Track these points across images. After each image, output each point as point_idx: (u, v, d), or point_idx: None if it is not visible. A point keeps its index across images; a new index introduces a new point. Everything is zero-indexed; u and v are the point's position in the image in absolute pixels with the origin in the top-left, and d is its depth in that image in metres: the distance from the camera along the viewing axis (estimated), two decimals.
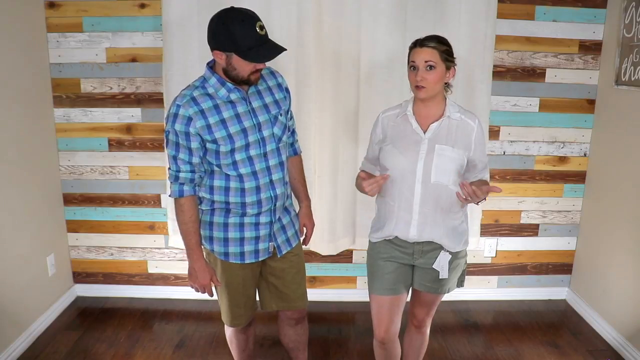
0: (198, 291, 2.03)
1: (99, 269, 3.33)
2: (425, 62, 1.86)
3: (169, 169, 1.93)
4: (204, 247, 2.04)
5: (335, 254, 3.17)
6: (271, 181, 1.97)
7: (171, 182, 1.93)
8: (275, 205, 2.01)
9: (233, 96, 1.89)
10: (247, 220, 1.99)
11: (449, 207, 1.97)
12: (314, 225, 2.30)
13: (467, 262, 2.20)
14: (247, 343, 2.32)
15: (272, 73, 2.05)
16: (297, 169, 2.22)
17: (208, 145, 1.88)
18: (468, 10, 2.82)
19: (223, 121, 1.86)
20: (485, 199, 1.87)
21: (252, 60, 1.79)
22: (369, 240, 2.15)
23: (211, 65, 1.91)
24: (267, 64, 1.90)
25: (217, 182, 1.95)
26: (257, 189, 1.95)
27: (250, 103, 1.92)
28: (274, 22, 2.74)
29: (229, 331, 2.28)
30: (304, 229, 2.27)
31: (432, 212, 1.96)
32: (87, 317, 3.11)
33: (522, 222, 3.28)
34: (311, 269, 3.22)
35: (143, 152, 3.12)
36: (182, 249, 3.17)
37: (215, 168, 1.93)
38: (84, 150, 3.13)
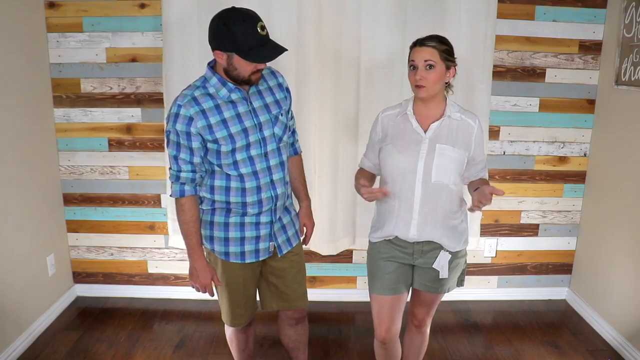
0: (199, 291, 2.03)
1: (99, 269, 3.33)
2: (425, 61, 1.86)
3: (170, 168, 1.93)
4: (204, 247, 2.04)
5: (335, 254, 3.17)
6: (272, 181, 1.98)
7: (172, 182, 1.93)
8: (275, 205, 2.01)
9: (234, 96, 1.89)
10: (247, 219, 1.99)
11: (449, 206, 1.97)
12: (314, 225, 2.31)
13: (467, 262, 2.20)
14: (247, 343, 2.32)
15: (273, 73, 2.05)
16: (297, 168, 2.22)
17: (209, 145, 1.88)
18: (468, 10, 2.82)
19: (224, 121, 1.86)
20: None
21: (253, 60, 1.79)
22: (369, 241, 2.15)
23: (212, 65, 1.91)
24: (268, 63, 1.90)
25: (218, 182, 1.95)
26: (258, 188, 1.95)
27: (251, 103, 1.93)
28: (274, 22, 2.74)
29: (229, 331, 2.28)
30: (304, 228, 2.27)
31: (433, 211, 1.96)
32: (87, 317, 3.11)
33: (522, 222, 3.28)
34: (311, 269, 3.22)
35: (143, 152, 3.12)
36: (182, 249, 3.18)
37: (216, 168, 1.93)
38: (84, 150, 3.13)
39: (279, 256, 2.09)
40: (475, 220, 3.10)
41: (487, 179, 2.06)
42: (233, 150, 1.88)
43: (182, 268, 3.28)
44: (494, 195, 1.85)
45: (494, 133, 3.11)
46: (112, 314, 3.15)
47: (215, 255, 2.04)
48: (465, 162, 1.96)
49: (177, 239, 3.09)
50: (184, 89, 1.91)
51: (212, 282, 2.03)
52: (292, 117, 2.16)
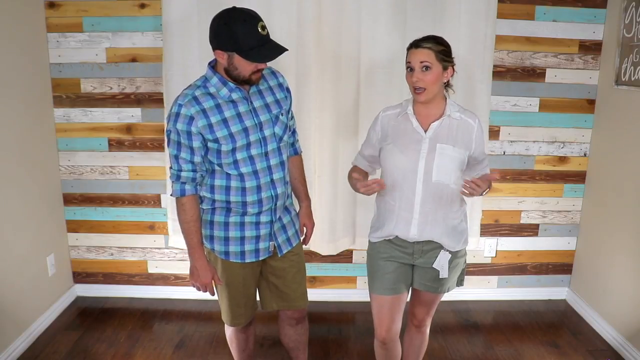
0: (199, 290, 2.03)
1: (99, 269, 3.33)
2: (421, 62, 1.86)
3: (171, 168, 1.94)
4: (204, 247, 2.04)
5: (335, 254, 3.17)
6: (272, 180, 1.98)
7: (173, 182, 1.94)
8: (275, 204, 2.02)
9: (234, 96, 1.89)
10: (247, 219, 1.99)
11: (449, 206, 1.98)
12: (314, 225, 2.31)
13: (467, 262, 2.20)
14: (247, 343, 2.32)
15: (273, 73, 2.06)
16: (297, 168, 2.23)
17: (209, 144, 1.88)
18: (468, 10, 2.82)
19: (224, 120, 1.87)
20: (488, 188, 1.90)
21: (253, 60, 1.79)
22: (369, 240, 2.15)
23: (213, 65, 1.91)
24: (268, 63, 1.90)
25: (218, 182, 1.95)
26: (258, 188, 1.95)
27: (251, 102, 1.93)
28: (274, 22, 2.74)
29: (229, 331, 2.28)
30: (304, 228, 2.27)
31: (433, 211, 1.96)
32: (87, 317, 3.11)
33: (522, 222, 3.28)
34: (311, 269, 3.22)
35: (143, 152, 3.12)
36: (182, 249, 3.18)
37: (217, 167, 1.93)
38: (84, 150, 3.13)
39: (279, 256, 2.09)
40: (475, 220, 3.10)
41: (489, 173, 2.06)
42: (233, 150, 1.89)
43: (182, 268, 3.28)
44: (491, 190, 1.85)
45: (494, 133, 3.11)
46: (112, 314, 3.15)
47: (215, 255, 2.04)
48: (465, 161, 1.96)
49: (177, 239, 3.09)
50: (185, 89, 1.91)
51: (213, 282, 2.03)
52: (292, 117, 2.16)
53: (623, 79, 2.79)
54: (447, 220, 1.99)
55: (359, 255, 3.26)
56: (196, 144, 1.87)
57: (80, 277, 3.34)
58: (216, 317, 2.97)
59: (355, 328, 3.04)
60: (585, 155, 3.18)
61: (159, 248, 3.28)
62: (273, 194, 1.99)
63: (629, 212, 2.77)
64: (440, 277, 2.03)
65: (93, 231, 3.25)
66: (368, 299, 2.16)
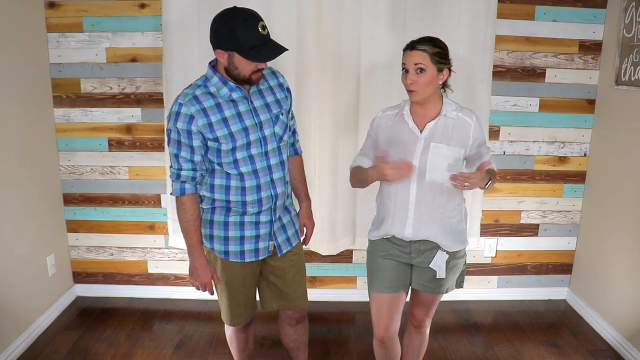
0: (199, 289, 2.03)
1: (99, 269, 3.33)
2: (415, 65, 1.87)
3: (171, 167, 1.94)
4: (204, 246, 2.04)
5: (335, 254, 3.17)
6: (272, 180, 1.98)
7: (173, 181, 1.94)
8: (275, 204, 2.02)
9: (235, 95, 1.89)
10: (247, 219, 1.99)
11: (445, 205, 1.98)
12: (314, 225, 2.31)
13: (468, 262, 2.20)
14: (247, 342, 2.32)
15: (274, 73, 2.06)
16: (297, 169, 2.23)
17: (209, 143, 1.88)
18: (468, 10, 2.82)
19: (225, 120, 1.87)
20: (491, 181, 1.90)
21: (253, 59, 1.80)
22: (369, 239, 2.15)
23: (213, 65, 1.92)
24: (268, 63, 1.90)
25: (218, 181, 1.95)
26: (258, 187, 1.95)
27: (251, 102, 1.93)
28: (274, 22, 2.74)
29: (229, 330, 2.28)
30: (304, 228, 2.27)
31: (428, 210, 1.96)
32: (87, 317, 3.11)
33: (522, 222, 3.28)
34: (311, 269, 3.22)
35: (143, 152, 3.12)
36: (182, 249, 3.18)
37: (216, 166, 1.93)
38: (84, 150, 3.13)
39: (279, 256, 2.09)
40: (475, 220, 3.10)
41: (495, 170, 2.05)
42: (233, 149, 1.89)
43: (182, 268, 3.28)
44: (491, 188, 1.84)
45: (494, 133, 3.11)
46: (112, 314, 3.15)
47: (215, 254, 2.04)
48: (461, 159, 1.96)
49: (177, 239, 3.09)
50: (185, 88, 1.92)
51: (212, 281, 2.03)
52: (292, 117, 2.16)
53: (623, 79, 2.79)
54: (444, 219, 1.99)
55: (359, 255, 3.26)
56: (196, 143, 1.87)
57: (80, 277, 3.34)
58: (216, 317, 2.97)
59: (355, 328, 3.04)
60: (585, 155, 3.18)
61: (159, 248, 3.28)
62: (273, 194, 1.99)
63: (629, 212, 2.77)
64: (437, 277, 2.03)
65: (93, 231, 3.25)
66: (368, 299, 2.16)
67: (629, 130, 2.78)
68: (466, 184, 1.83)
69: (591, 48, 3.02)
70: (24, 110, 2.80)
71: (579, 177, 3.22)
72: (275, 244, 2.07)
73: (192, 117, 1.84)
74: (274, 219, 2.04)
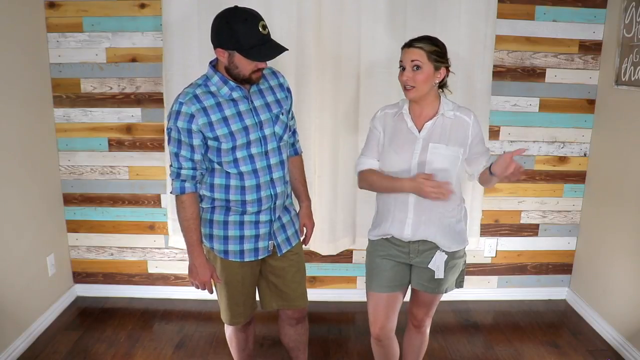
0: (198, 288, 2.03)
1: (99, 269, 3.33)
2: (412, 61, 1.88)
3: (171, 166, 1.94)
4: (203, 245, 2.04)
5: (335, 254, 3.17)
6: (271, 179, 1.98)
7: (172, 179, 1.94)
8: (275, 203, 2.02)
9: (235, 94, 1.90)
10: (247, 218, 1.99)
11: (445, 205, 1.98)
12: (314, 225, 2.31)
13: (468, 262, 2.20)
14: (247, 342, 2.32)
15: (274, 73, 2.06)
16: (297, 169, 2.23)
17: (209, 142, 1.89)
18: (468, 10, 2.82)
19: (225, 119, 1.87)
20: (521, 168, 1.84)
21: (254, 58, 1.80)
22: (368, 239, 2.15)
23: (214, 64, 1.92)
24: (268, 63, 1.90)
25: (218, 180, 1.95)
26: (258, 187, 1.95)
27: (252, 101, 1.93)
28: (274, 22, 2.74)
29: (228, 330, 2.28)
30: (304, 229, 2.27)
31: (427, 210, 1.96)
32: (87, 317, 3.11)
33: (522, 222, 3.28)
34: (311, 269, 3.22)
35: (143, 152, 3.12)
36: (182, 249, 3.18)
37: (216, 166, 1.94)
38: (84, 150, 3.13)
39: (279, 255, 2.09)
40: (475, 220, 3.10)
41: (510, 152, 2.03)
42: (233, 148, 1.89)
43: (182, 268, 3.28)
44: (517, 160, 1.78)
45: (494, 133, 3.11)
46: (112, 314, 3.15)
47: (215, 254, 2.04)
48: (459, 158, 1.96)
49: (177, 239, 3.09)
50: (186, 87, 1.92)
51: (212, 280, 2.03)
52: (292, 117, 2.17)
53: (623, 79, 2.79)
54: (443, 219, 1.99)
55: (359, 255, 3.26)
56: (196, 141, 1.87)
57: (80, 277, 3.34)
58: (216, 317, 2.97)
59: (355, 328, 3.04)
60: (585, 155, 3.18)
61: (159, 248, 3.28)
62: (272, 193, 1.99)
63: (629, 212, 2.77)
64: (435, 277, 2.03)
65: (93, 231, 3.25)
66: (366, 296, 2.16)
67: (629, 130, 2.78)
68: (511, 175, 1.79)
69: (591, 48, 3.02)
70: (24, 110, 2.80)
71: (579, 177, 3.22)
72: (275, 244, 2.07)
73: (192, 116, 1.84)
74: (273, 219, 2.04)
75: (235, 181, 1.94)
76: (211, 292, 2.06)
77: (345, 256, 3.27)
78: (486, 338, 2.95)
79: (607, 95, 2.97)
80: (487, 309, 3.27)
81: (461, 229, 2.07)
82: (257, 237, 2.02)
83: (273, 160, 1.98)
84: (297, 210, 2.26)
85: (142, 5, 2.92)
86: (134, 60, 2.99)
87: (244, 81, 1.88)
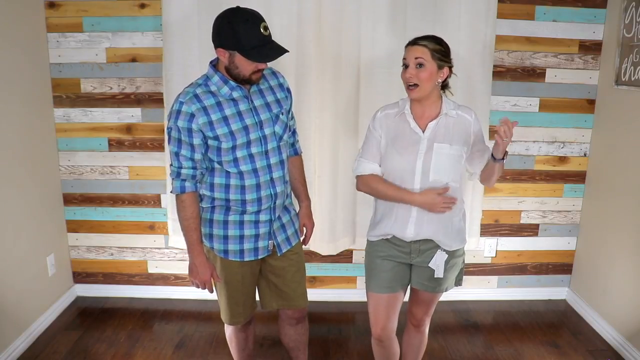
0: (198, 287, 2.03)
1: (99, 269, 3.33)
2: (415, 59, 1.88)
3: (171, 165, 1.94)
4: (203, 245, 2.04)
5: (335, 254, 3.17)
6: (271, 179, 1.98)
7: (173, 179, 1.94)
8: (275, 203, 2.02)
9: (235, 94, 1.90)
10: (246, 218, 1.99)
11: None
12: (313, 225, 2.31)
13: (468, 262, 2.20)
14: (247, 342, 2.32)
15: (274, 73, 2.07)
16: (297, 169, 2.23)
17: (210, 142, 1.89)
18: (468, 10, 2.82)
19: (225, 118, 1.87)
20: (506, 154, 1.90)
21: (254, 59, 1.81)
22: (367, 239, 2.15)
23: (214, 64, 1.92)
24: (268, 63, 1.91)
25: (218, 180, 1.95)
26: (258, 186, 1.96)
27: (252, 101, 1.94)
28: (274, 22, 2.74)
29: (228, 330, 2.28)
30: (304, 229, 2.27)
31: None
32: (87, 317, 3.11)
33: (522, 222, 3.28)
34: (311, 269, 3.22)
35: (143, 152, 3.12)
36: (182, 249, 3.18)
37: (216, 165, 1.94)
38: (84, 150, 3.13)
39: (279, 255, 2.09)
40: (475, 220, 3.10)
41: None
42: (234, 148, 1.89)
43: (182, 268, 3.28)
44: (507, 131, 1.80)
45: (494, 133, 3.08)
46: (112, 314, 3.15)
47: (214, 253, 2.04)
48: (463, 157, 1.97)
49: (177, 239, 3.09)
50: (186, 87, 1.92)
51: (212, 279, 2.03)
52: (292, 117, 2.17)
53: (623, 79, 2.79)
54: (445, 219, 1.99)
55: (359, 255, 3.26)
56: (197, 141, 1.87)
57: (80, 277, 3.34)
58: (216, 317, 2.97)
59: (355, 328, 3.04)
60: (585, 155, 3.18)
61: (159, 248, 3.28)
62: (272, 193, 2.00)
63: (629, 212, 2.77)
64: (435, 276, 2.04)
65: (93, 231, 3.25)
66: (366, 297, 2.16)
67: (629, 130, 2.78)
68: (506, 139, 1.81)
69: (591, 48, 3.02)
70: (24, 110, 2.80)
71: (579, 177, 3.22)
72: (275, 243, 2.07)
73: (192, 115, 1.85)
74: (273, 218, 2.04)
75: (235, 180, 1.94)
76: (211, 291, 2.06)
77: (345, 256, 3.27)
78: (486, 338, 2.95)
79: (607, 95, 2.97)
80: (487, 309, 3.27)
81: (461, 228, 2.07)
82: (257, 236, 2.02)
83: (273, 160, 1.98)
84: (297, 210, 2.26)
85: (142, 5, 2.92)
86: (134, 60, 2.99)
87: (244, 81, 1.88)
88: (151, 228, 3.24)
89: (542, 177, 3.21)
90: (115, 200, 3.20)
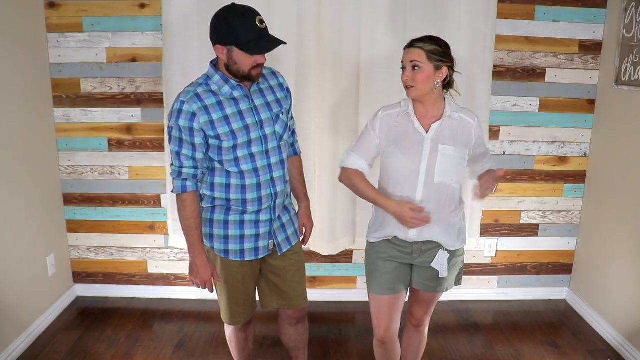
0: (199, 287, 2.03)
1: (99, 269, 3.33)
2: (411, 62, 1.88)
3: (172, 165, 1.94)
4: (204, 245, 2.04)
5: (335, 254, 3.17)
6: (272, 178, 1.99)
7: (174, 178, 1.94)
8: (275, 202, 2.02)
9: (236, 93, 1.91)
10: (247, 217, 1.99)
11: (449, 205, 1.99)
12: (313, 225, 2.31)
13: (468, 262, 2.21)
14: (247, 342, 2.32)
15: (274, 73, 2.07)
16: (297, 169, 2.23)
17: (211, 141, 1.89)
18: (468, 10, 2.82)
19: (226, 117, 1.88)
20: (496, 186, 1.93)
21: (252, 52, 1.81)
22: (367, 241, 2.15)
23: (215, 63, 1.93)
24: (268, 63, 1.91)
25: (218, 179, 1.96)
26: (258, 185, 1.96)
27: (252, 100, 1.94)
28: (274, 21, 2.74)
29: (228, 330, 2.28)
30: (303, 229, 2.28)
31: (434, 211, 1.96)
32: (87, 317, 3.11)
33: (522, 222, 3.28)
34: (311, 269, 3.22)
35: (143, 152, 3.12)
36: (181, 249, 3.18)
37: (217, 165, 1.94)
38: (84, 150, 3.13)
39: (279, 255, 2.09)
40: (475, 220, 3.10)
41: (495, 170, 2.03)
42: (234, 147, 1.90)
43: (182, 268, 3.28)
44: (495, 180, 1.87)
45: (494, 133, 3.11)
46: (112, 314, 3.15)
47: (215, 253, 2.05)
48: (466, 159, 1.97)
49: (177, 239, 3.09)
50: (187, 86, 1.93)
51: (212, 278, 2.03)
52: (292, 118, 2.17)
53: (623, 79, 2.79)
54: (447, 219, 2.00)
55: (359, 255, 3.26)
56: (198, 140, 1.88)
57: (80, 277, 3.34)
58: (216, 317, 2.97)
59: (355, 328, 3.04)
60: (585, 155, 3.18)
61: (159, 248, 3.28)
62: (272, 192, 2.00)
63: (629, 212, 2.77)
64: (440, 276, 2.04)
65: (93, 231, 3.25)
66: (368, 299, 2.15)
67: (629, 130, 2.78)
68: (486, 194, 1.87)
69: (591, 48, 3.02)
70: (24, 110, 2.80)
71: (579, 177, 3.22)
72: (275, 243, 2.07)
73: (193, 115, 1.85)
74: (273, 218, 2.04)
75: (235, 180, 1.94)
76: (212, 291, 2.06)
77: (345, 256, 3.27)
78: (486, 338, 2.95)
79: (607, 95, 2.98)
80: (487, 309, 3.27)
81: (462, 227, 2.08)
82: (257, 236, 2.02)
83: (273, 159, 1.98)
84: (296, 210, 2.26)
85: (142, 5, 2.92)
86: (134, 60, 2.99)
87: (244, 78, 1.89)
88: (151, 228, 3.24)
89: (542, 177, 3.21)
90: (115, 200, 3.20)
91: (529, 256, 3.34)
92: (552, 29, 2.97)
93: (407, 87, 1.91)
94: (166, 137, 2.09)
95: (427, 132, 1.94)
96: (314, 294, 3.03)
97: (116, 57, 2.99)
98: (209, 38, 1.86)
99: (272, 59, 2.01)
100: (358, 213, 3.11)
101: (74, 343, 2.83)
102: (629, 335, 2.75)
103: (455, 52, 1.96)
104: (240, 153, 1.91)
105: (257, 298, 2.21)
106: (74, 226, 3.25)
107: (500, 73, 3.02)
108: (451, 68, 1.93)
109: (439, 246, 2.01)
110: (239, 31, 1.78)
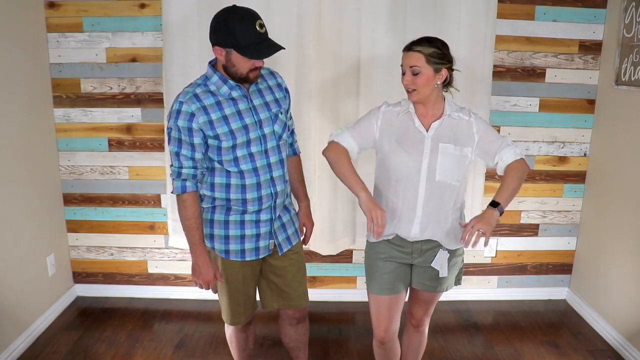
0: (202, 287, 2.04)
1: (99, 269, 3.33)
2: (410, 67, 1.88)
3: (171, 165, 1.94)
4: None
5: (335, 254, 3.17)
6: (272, 178, 1.99)
7: (173, 179, 1.94)
8: (275, 202, 2.02)
9: (234, 94, 1.91)
10: (247, 217, 1.99)
11: (451, 204, 1.99)
12: (313, 225, 2.31)
13: (468, 262, 2.21)
14: (247, 342, 2.32)
15: (272, 73, 2.08)
16: (296, 169, 2.23)
17: (210, 141, 1.89)
18: (468, 10, 2.82)
19: (225, 117, 1.88)
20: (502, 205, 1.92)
21: (249, 56, 1.81)
22: (367, 241, 2.15)
23: (213, 64, 1.93)
24: (267, 63, 1.91)
25: (218, 179, 1.96)
26: (258, 185, 1.96)
27: (251, 100, 1.94)
28: (274, 21, 2.74)
29: (228, 330, 2.28)
30: (304, 228, 2.28)
31: (435, 210, 1.96)
32: (87, 317, 3.11)
33: (522, 222, 3.28)
34: (311, 269, 3.22)
35: (143, 152, 3.12)
36: (182, 249, 3.18)
37: (217, 165, 1.94)
38: (84, 150, 3.13)
39: (279, 254, 2.10)
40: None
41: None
42: (234, 147, 1.90)
43: (182, 268, 3.28)
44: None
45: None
46: (112, 314, 3.15)
47: (215, 254, 2.04)
48: (468, 158, 1.96)
49: (177, 239, 3.09)
50: (186, 87, 1.93)
51: (215, 278, 2.03)
52: (290, 117, 2.17)
53: (623, 79, 2.79)
54: (448, 218, 2.00)
55: (359, 255, 3.26)
56: (197, 140, 1.88)
57: (80, 277, 3.34)
58: (216, 317, 2.98)
59: (355, 328, 3.04)
60: (585, 155, 3.18)
61: (159, 248, 3.28)
62: (272, 192, 2.00)
63: (629, 212, 2.77)
64: (440, 276, 2.04)
65: (93, 231, 3.25)
66: (368, 299, 2.15)
67: (629, 130, 2.78)
68: (481, 231, 1.84)
69: (591, 48, 3.02)
70: (24, 110, 2.80)
71: (579, 177, 3.22)
72: (276, 243, 2.07)
73: (192, 115, 1.85)
74: (274, 218, 2.04)
75: (235, 180, 1.94)
76: (215, 291, 2.07)
77: (345, 256, 3.27)
78: (486, 338, 2.95)
79: (607, 95, 2.98)
80: (487, 309, 3.27)
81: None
82: (257, 236, 2.02)
83: (273, 159, 1.99)
84: (296, 210, 2.27)
85: (142, 5, 2.92)
86: (134, 60, 2.99)
87: (242, 80, 1.89)
88: (151, 228, 3.24)
89: (542, 177, 3.21)
90: (115, 200, 3.20)
91: (529, 256, 3.34)
92: (552, 29, 2.98)
93: (408, 91, 1.92)
94: (166, 137, 2.09)
95: (427, 131, 1.94)
96: (314, 294, 3.02)
97: (116, 57, 2.99)
98: (209, 38, 1.86)
99: (271, 59, 2.00)
100: (358, 213, 3.11)
101: (74, 343, 2.83)
102: (629, 335, 2.76)
103: (455, 52, 1.96)
104: (239, 153, 1.91)
105: (258, 298, 2.21)
106: (74, 226, 3.25)
107: (500, 73, 3.02)
108: (450, 68, 1.93)
109: (438, 246, 2.01)
110: (238, 34, 1.78)
